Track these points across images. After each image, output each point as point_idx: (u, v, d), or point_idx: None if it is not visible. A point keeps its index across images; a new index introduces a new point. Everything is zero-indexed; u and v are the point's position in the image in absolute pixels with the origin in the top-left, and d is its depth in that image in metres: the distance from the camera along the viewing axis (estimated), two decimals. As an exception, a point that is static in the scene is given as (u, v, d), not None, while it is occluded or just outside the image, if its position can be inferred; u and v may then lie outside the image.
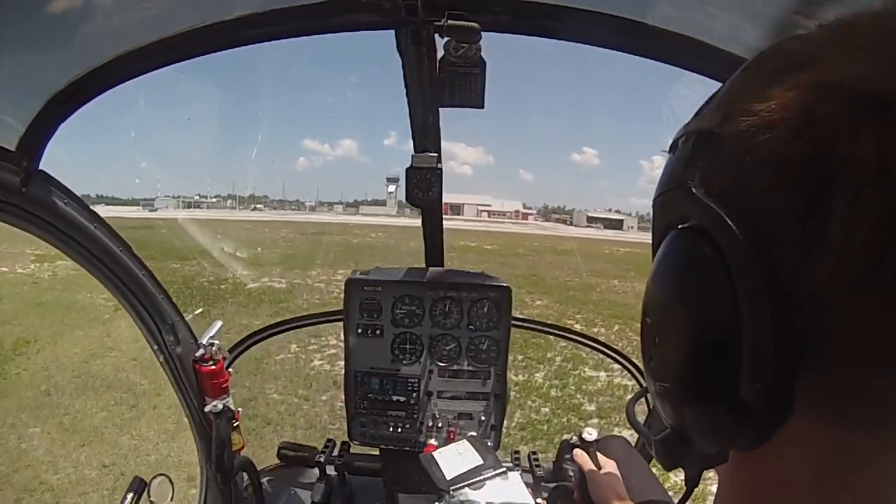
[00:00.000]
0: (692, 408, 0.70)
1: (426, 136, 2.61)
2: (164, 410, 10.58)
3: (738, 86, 0.67)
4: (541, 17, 1.93)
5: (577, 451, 2.19)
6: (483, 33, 1.92)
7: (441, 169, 2.68)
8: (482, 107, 2.20)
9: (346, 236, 49.26)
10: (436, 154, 2.67)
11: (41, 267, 23.28)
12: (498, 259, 39.33)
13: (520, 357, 14.27)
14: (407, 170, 2.68)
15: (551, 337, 15.26)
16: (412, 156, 2.66)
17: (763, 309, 0.57)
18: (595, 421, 11.16)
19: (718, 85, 0.73)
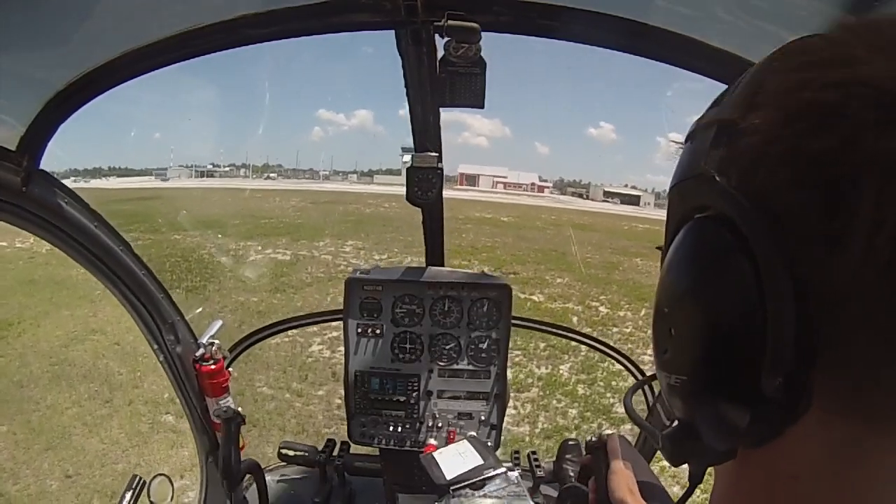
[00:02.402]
0: (709, 402, 0.70)
1: (426, 136, 2.61)
2: (140, 407, 10.10)
3: (761, 78, 0.67)
4: (541, 17, 1.94)
5: (614, 443, 2.18)
6: (483, 33, 1.92)
7: (441, 169, 2.69)
8: (482, 106, 2.21)
9: (359, 206, 47.21)
10: (436, 154, 2.67)
11: (40, 241, 21.40)
12: (515, 232, 37.81)
13: (542, 345, 13.22)
14: (407, 169, 2.69)
15: (574, 321, 14.83)
16: (412, 155, 2.67)
17: (787, 301, 0.57)
18: (628, 427, 9.56)
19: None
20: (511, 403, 10.56)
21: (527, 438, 9.46)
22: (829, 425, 0.60)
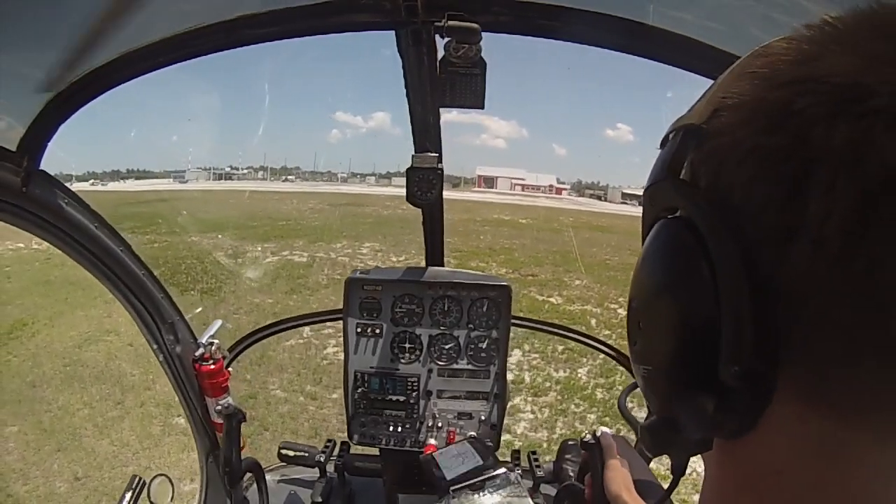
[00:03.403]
0: (674, 391, 0.72)
1: (427, 136, 2.62)
2: (152, 409, 10.10)
3: (726, 83, 0.69)
4: (541, 17, 1.94)
5: (608, 439, 2.18)
6: (483, 33, 1.92)
7: (441, 169, 2.69)
8: (482, 107, 2.20)
9: (377, 207, 47.74)
10: (436, 154, 2.68)
11: (57, 242, 21.85)
12: (533, 234, 37.69)
13: (560, 348, 13.10)
14: (407, 170, 2.69)
15: (593, 324, 14.71)
16: (412, 156, 2.67)
17: (741, 293, 0.59)
18: (639, 430, 9.35)
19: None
20: (528, 408, 10.67)
21: (544, 444, 9.28)
22: (804, 420, 0.60)
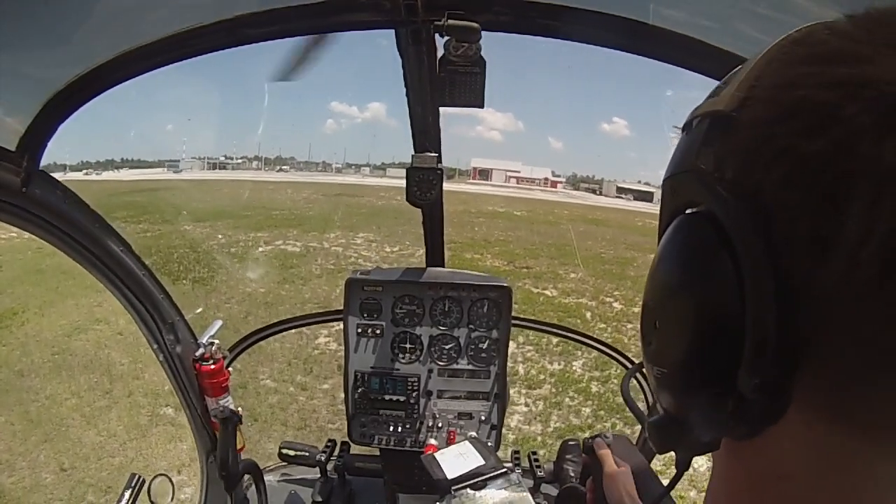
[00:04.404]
0: (689, 395, 0.70)
1: (426, 136, 2.61)
2: (140, 398, 10.01)
3: (761, 70, 0.64)
4: (541, 16, 1.93)
5: (602, 448, 2.18)
6: (483, 32, 1.91)
7: (441, 170, 2.68)
8: (482, 106, 2.21)
9: (371, 198, 46.77)
10: (436, 154, 2.67)
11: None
12: (528, 226, 37.32)
13: (555, 341, 12.75)
14: (407, 170, 2.68)
15: (588, 317, 14.64)
16: (412, 156, 2.66)
17: (768, 303, 0.56)
18: (639, 427, 8.76)
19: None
20: (522, 401, 10.63)
21: (539, 438, 9.27)
22: (815, 428, 0.59)
